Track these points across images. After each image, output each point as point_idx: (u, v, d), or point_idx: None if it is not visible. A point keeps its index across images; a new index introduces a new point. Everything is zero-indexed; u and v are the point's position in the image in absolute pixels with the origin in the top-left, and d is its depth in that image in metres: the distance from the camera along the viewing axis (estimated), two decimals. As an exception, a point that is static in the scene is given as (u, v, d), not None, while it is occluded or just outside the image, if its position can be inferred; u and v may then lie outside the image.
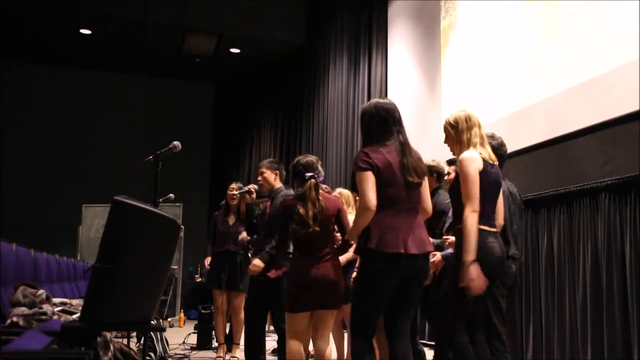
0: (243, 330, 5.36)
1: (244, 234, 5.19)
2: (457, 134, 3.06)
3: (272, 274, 3.94)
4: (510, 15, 5.50)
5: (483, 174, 2.92)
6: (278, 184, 4.24)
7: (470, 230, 2.80)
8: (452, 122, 3.08)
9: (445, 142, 3.15)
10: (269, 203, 4.29)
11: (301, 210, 3.25)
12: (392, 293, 2.72)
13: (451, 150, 3.14)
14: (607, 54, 4.28)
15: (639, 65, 3.93)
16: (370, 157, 2.73)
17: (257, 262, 3.90)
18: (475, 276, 2.76)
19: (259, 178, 4.36)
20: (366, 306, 2.73)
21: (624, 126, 4.04)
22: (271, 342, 5.21)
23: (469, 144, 3.00)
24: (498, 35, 5.68)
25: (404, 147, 2.79)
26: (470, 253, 2.78)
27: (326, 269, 3.26)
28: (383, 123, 2.84)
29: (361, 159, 2.74)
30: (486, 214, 2.94)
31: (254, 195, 4.56)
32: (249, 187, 4.65)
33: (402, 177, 2.72)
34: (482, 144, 3.02)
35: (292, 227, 3.27)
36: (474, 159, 2.92)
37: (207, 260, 5.58)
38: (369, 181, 2.69)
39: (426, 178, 2.87)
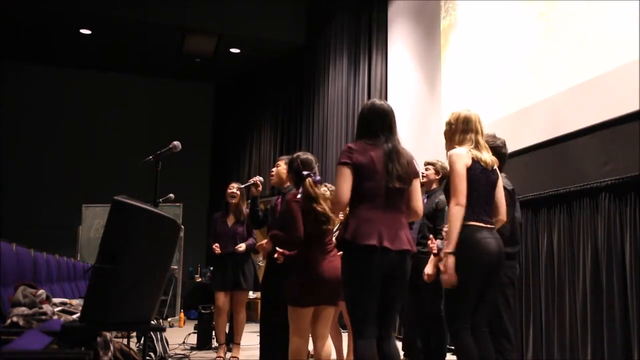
0: (244, 330, 5.39)
1: (242, 247, 5.19)
2: (450, 132, 3.12)
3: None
4: (510, 15, 5.50)
5: (471, 170, 2.94)
6: (290, 182, 4.19)
7: (452, 222, 2.86)
8: (451, 120, 3.12)
9: (444, 134, 3.19)
10: (279, 200, 4.27)
11: (319, 209, 3.27)
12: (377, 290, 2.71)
13: (445, 144, 3.18)
14: (607, 54, 4.28)
15: (639, 65, 3.93)
16: (352, 153, 2.77)
17: (265, 243, 3.89)
18: (450, 269, 2.83)
19: (273, 169, 4.35)
20: (355, 299, 2.72)
21: (624, 126, 4.04)
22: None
23: (459, 145, 3.04)
24: (498, 35, 5.68)
25: (391, 153, 2.80)
26: (451, 244, 2.85)
27: (337, 263, 3.29)
28: (369, 126, 2.86)
29: (344, 154, 2.80)
30: (478, 210, 2.95)
31: (259, 188, 4.52)
32: (254, 179, 4.60)
33: (384, 180, 2.75)
34: (477, 148, 3.02)
35: (317, 226, 3.28)
36: (462, 155, 2.96)
37: (216, 247, 5.38)
38: (345, 177, 2.74)
39: (416, 181, 2.87)
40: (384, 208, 2.74)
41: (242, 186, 5.28)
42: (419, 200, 2.89)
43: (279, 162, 4.33)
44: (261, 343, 4.31)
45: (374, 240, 2.65)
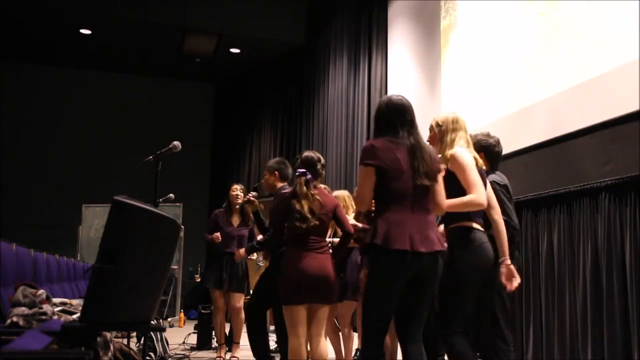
0: (243, 330, 5.39)
1: (241, 251, 5.16)
2: (440, 134, 3.07)
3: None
4: (510, 15, 5.50)
5: None
6: (279, 184, 4.27)
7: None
8: (439, 122, 3.09)
9: (428, 140, 3.12)
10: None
11: (297, 206, 3.30)
12: (403, 293, 2.65)
13: (435, 148, 3.14)
14: (607, 54, 4.27)
15: (639, 65, 3.93)
16: (376, 152, 2.68)
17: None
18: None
19: (262, 180, 4.47)
20: (376, 305, 2.66)
21: (624, 126, 4.04)
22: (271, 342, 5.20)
23: (452, 145, 2.99)
24: (498, 35, 5.68)
25: (415, 150, 2.71)
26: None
27: (322, 261, 3.31)
28: (389, 122, 2.78)
29: (366, 153, 2.70)
30: (478, 212, 2.92)
31: (256, 203, 4.63)
32: (247, 197, 4.76)
33: (411, 178, 2.66)
34: (469, 148, 3.02)
35: (293, 224, 3.30)
36: (466, 152, 2.93)
37: (216, 235, 5.34)
38: (368, 177, 2.67)
39: (440, 176, 2.77)
40: (413, 209, 2.65)
41: (237, 205, 5.36)
42: (443, 195, 2.79)
43: (265, 172, 4.46)
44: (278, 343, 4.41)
45: (406, 245, 2.56)
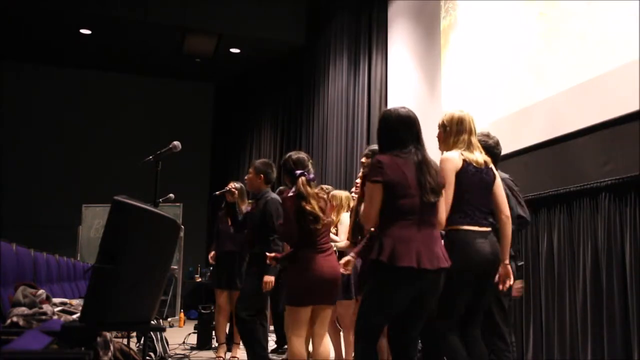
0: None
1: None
2: (445, 135, 3.11)
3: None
4: (510, 15, 5.50)
5: (462, 173, 2.93)
6: (263, 187, 4.28)
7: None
8: (445, 122, 3.12)
9: (437, 137, 3.18)
10: (253, 206, 4.34)
11: (308, 208, 3.28)
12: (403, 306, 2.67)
13: (439, 146, 3.17)
14: (607, 54, 4.27)
15: (639, 65, 3.93)
16: (383, 168, 2.66)
17: (268, 279, 3.98)
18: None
19: (246, 177, 4.43)
20: (374, 317, 2.68)
21: (624, 126, 4.04)
22: (270, 343, 5.20)
23: (452, 148, 3.03)
24: (498, 35, 5.68)
25: (422, 165, 2.70)
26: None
27: (333, 262, 3.36)
28: (397, 135, 2.78)
29: (374, 169, 2.69)
30: (471, 213, 2.93)
31: (236, 195, 4.57)
32: (228, 186, 4.68)
33: (418, 195, 2.65)
34: (469, 149, 3.02)
35: (307, 226, 3.29)
36: (450, 159, 2.96)
37: (211, 254, 5.54)
38: (375, 195, 2.66)
39: (443, 191, 2.78)
40: (419, 225, 2.64)
41: (217, 193, 5.23)
42: (443, 212, 2.80)
43: (250, 170, 4.42)
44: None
45: (412, 261, 2.55)
